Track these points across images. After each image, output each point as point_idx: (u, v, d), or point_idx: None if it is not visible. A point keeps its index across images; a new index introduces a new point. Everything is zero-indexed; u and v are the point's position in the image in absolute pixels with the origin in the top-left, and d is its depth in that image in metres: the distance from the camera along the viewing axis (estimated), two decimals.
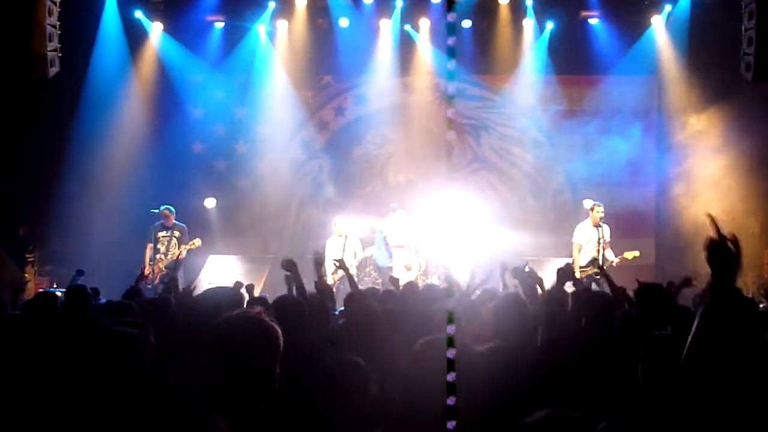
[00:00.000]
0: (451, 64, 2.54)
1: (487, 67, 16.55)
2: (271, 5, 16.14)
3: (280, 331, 3.37)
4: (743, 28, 11.32)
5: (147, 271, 13.22)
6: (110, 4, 15.56)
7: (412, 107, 16.77)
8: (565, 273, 6.73)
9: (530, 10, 16.15)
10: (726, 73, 13.80)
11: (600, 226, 13.44)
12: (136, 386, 3.67)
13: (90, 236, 14.68)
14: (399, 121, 16.77)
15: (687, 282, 6.71)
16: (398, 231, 14.22)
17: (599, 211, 13.47)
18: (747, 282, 14.32)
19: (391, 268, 13.99)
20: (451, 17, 2.65)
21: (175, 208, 13.84)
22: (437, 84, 16.62)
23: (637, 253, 13.22)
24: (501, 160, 16.85)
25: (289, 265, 6.86)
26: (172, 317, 5.86)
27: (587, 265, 13.20)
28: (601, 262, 13.19)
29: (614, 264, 13.12)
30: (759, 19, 10.93)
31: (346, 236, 14.43)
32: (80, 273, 10.73)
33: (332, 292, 7.77)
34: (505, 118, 16.79)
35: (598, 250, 13.31)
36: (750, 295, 11.27)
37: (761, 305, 9.67)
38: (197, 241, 13.49)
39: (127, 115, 15.83)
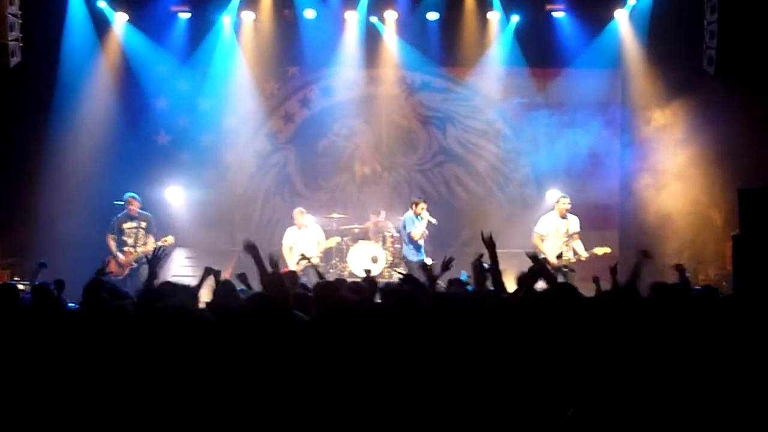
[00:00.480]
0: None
1: (454, 59, 16.58)
2: None
3: (210, 321, 3.44)
4: (705, 21, 11.40)
5: (114, 265, 13.06)
6: None
7: (378, 99, 16.79)
8: (536, 272, 6.71)
9: (496, 3, 16.20)
10: (689, 66, 13.89)
11: (566, 218, 13.49)
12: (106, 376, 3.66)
13: (54, 228, 14.58)
14: (365, 113, 16.78)
15: (646, 255, 6.84)
16: (420, 225, 13.97)
17: (565, 203, 13.51)
18: (709, 274, 14.50)
19: (421, 262, 13.38)
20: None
21: (141, 199, 13.71)
22: (403, 76, 16.68)
23: (608, 250, 13.27)
24: (467, 152, 16.89)
25: (250, 248, 6.75)
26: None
27: (555, 258, 13.26)
28: (571, 255, 13.27)
29: (583, 259, 13.18)
30: (721, 12, 11.00)
31: (306, 227, 14.39)
32: (43, 265, 10.57)
33: (293, 279, 7.76)
34: (471, 111, 16.83)
35: (566, 242, 13.38)
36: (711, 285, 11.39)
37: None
38: (170, 239, 13.16)
39: (92, 105, 15.65)
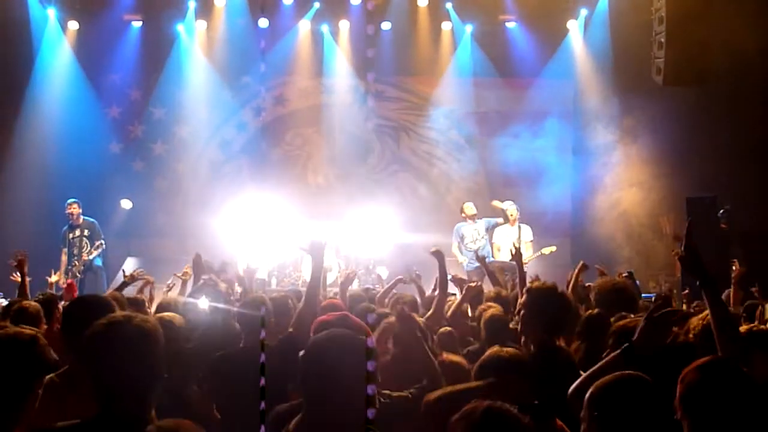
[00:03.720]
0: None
1: (407, 69, 16.67)
2: (191, 5, 16.05)
3: (159, 327, 3.40)
4: (653, 32, 11.59)
5: (58, 278, 12.47)
6: (32, 3, 15.33)
7: (331, 108, 16.81)
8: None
9: (452, 13, 16.32)
10: (640, 77, 14.09)
11: (518, 227, 13.64)
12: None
13: (4, 238, 14.33)
14: (318, 122, 16.81)
15: (583, 268, 7.08)
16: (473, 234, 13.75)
17: (469, 209, 13.77)
18: (659, 280, 14.66)
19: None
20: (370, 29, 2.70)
21: (92, 209, 13.50)
22: (357, 85, 16.70)
23: (554, 248, 13.44)
24: (420, 161, 16.97)
25: (197, 260, 6.77)
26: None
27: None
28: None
29: (528, 260, 13.33)
30: (668, 23, 11.21)
31: None
32: None
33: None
34: (425, 120, 16.92)
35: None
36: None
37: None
38: (101, 243, 12.93)
39: (43, 114, 15.52)
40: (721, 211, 11.79)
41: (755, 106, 13.21)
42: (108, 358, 3.25)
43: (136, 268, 13.19)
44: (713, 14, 11.13)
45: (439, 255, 7.29)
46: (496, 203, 13.66)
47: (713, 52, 11.16)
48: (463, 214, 13.89)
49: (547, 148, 15.93)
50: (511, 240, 13.58)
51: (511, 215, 13.67)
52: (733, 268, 11.65)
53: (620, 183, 15.47)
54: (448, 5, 16.31)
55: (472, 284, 7.57)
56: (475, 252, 12.42)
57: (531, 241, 13.62)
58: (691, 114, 14.22)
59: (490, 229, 13.84)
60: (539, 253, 13.33)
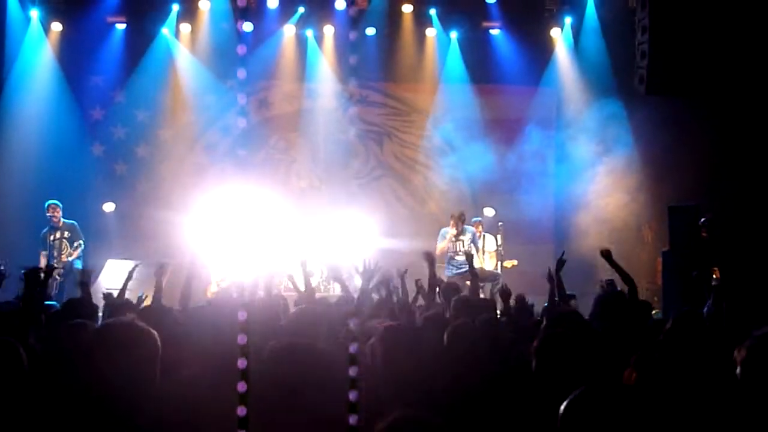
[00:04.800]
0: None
1: (391, 74, 16.70)
2: (175, 8, 16.02)
3: (156, 334, 3.40)
4: (636, 41, 11.66)
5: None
6: (11, 3, 15.26)
7: (315, 113, 16.78)
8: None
9: (435, 19, 16.34)
10: (625, 86, 14.16)
11: (484, 236, 13.74)
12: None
13: None
14: (302, 126, 16.78)
15: (561, 263, 7.25)
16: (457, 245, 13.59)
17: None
18: (641, 288, 14.68)
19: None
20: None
21: (74, 212, 13.45)
22: (341, 90, 16.69)
23: (515, 262, 13.65)
24: (403, 167, 16.99)
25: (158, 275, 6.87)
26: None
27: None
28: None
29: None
30: (651, 32, 11.27)
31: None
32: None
33: None
34: (408, 126, 16.94)
35: (482, 260, 13.56)
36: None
37: (654, 312, 9.98)
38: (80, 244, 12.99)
39: (23, 115, 15.44)
40: (702, 220, 11.83)
41: (738, 115, 13.27)
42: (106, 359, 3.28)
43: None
44: (696, 24, 11.20)
45: (429, 257, 7.45)
46: (506, 263, 13.77)
47: (696, 61, 11.22)
48: (452, 221, 13.82)
49: (529, 156, 15.99)
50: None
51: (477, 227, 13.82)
52: (714, 276, 11.74)
53: (603, 191, 15.50)
54: (432, 12, 16.33)
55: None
56: (465, 252, 12.51)
57: (494, 250, 13.67)
58: (674, 123, 14.27)
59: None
60: (502, 266, 13.49)
